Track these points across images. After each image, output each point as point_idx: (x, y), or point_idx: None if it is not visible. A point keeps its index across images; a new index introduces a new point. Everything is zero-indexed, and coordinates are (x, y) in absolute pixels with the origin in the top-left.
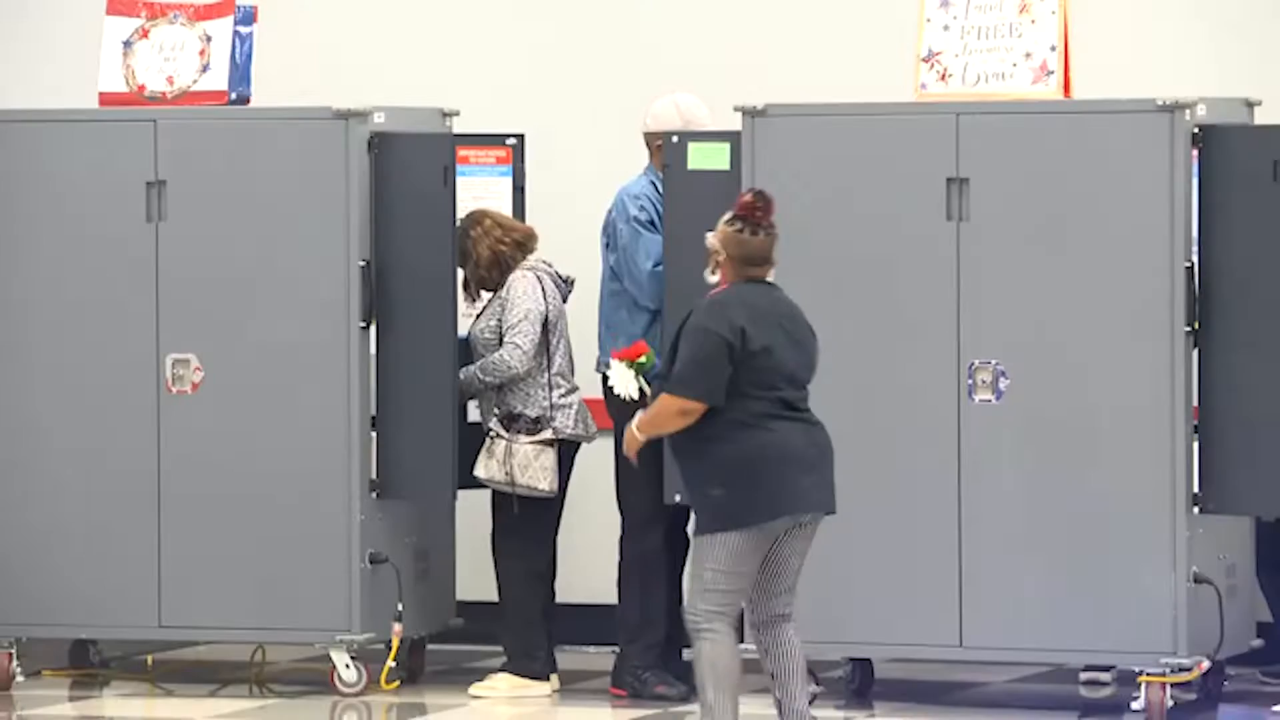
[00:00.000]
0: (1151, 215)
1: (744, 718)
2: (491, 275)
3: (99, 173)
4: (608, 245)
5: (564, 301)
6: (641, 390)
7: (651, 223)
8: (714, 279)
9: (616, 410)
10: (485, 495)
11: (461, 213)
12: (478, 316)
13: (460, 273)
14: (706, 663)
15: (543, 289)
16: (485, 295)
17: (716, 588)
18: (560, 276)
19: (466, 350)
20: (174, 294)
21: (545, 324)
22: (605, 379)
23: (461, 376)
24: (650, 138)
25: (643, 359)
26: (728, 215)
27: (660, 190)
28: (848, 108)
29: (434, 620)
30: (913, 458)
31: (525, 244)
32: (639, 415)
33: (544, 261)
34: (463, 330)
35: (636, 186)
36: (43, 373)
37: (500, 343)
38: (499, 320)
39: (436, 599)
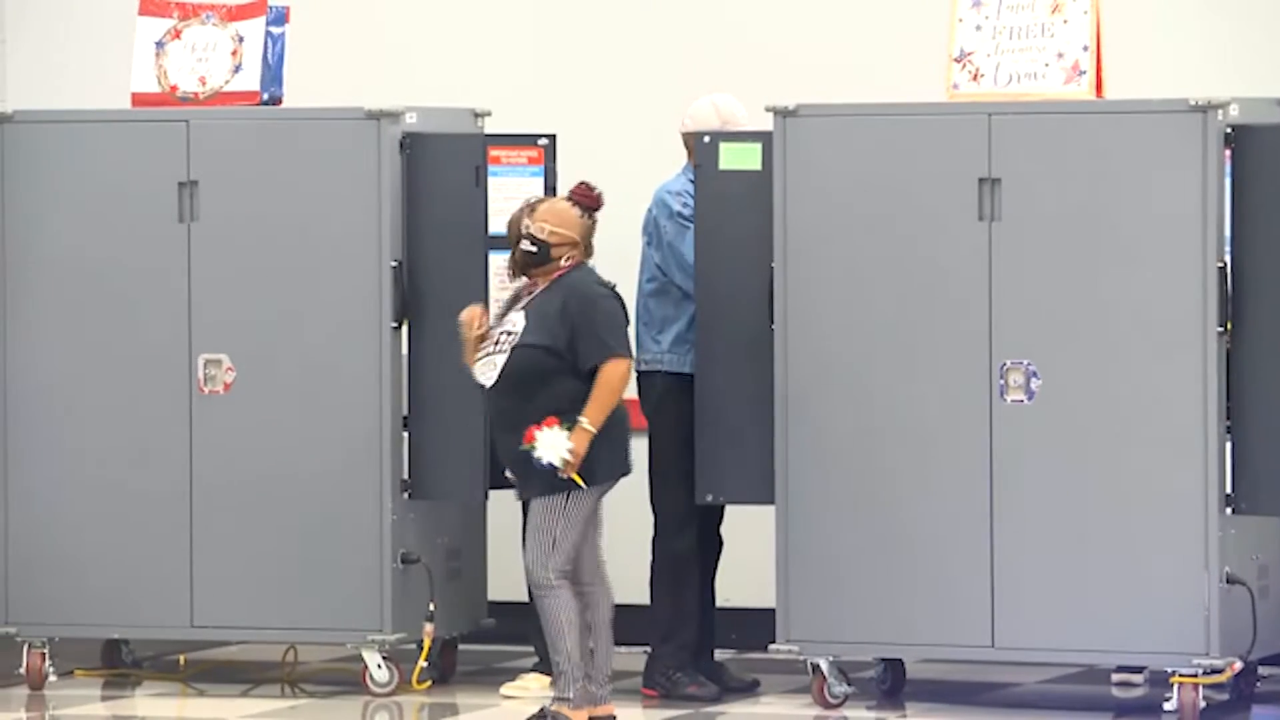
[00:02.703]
0: (1184, 215)
1: (771, 716)
2: None
3: (131, 173)
4: (649, 243)
5: None
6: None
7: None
8: (565, 263)
9: (651, 410)
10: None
11: (494, 214)
12: None
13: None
14: (563, 618)
15: None
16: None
17: (563, 546)
18: (601, 281)
19: None
20: (206, 294)
21: None
22: (637, 377)
23: None
24: (689, 138)
25: (562, 424)
26: (568, 205)
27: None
28: (879, 108)
29: (465, 620)
30: (944, 458)
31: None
32: (583, 425)
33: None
34: None
35: (677, 184)
36: (74, 373)
37: None
38: None
39: (468, 599)
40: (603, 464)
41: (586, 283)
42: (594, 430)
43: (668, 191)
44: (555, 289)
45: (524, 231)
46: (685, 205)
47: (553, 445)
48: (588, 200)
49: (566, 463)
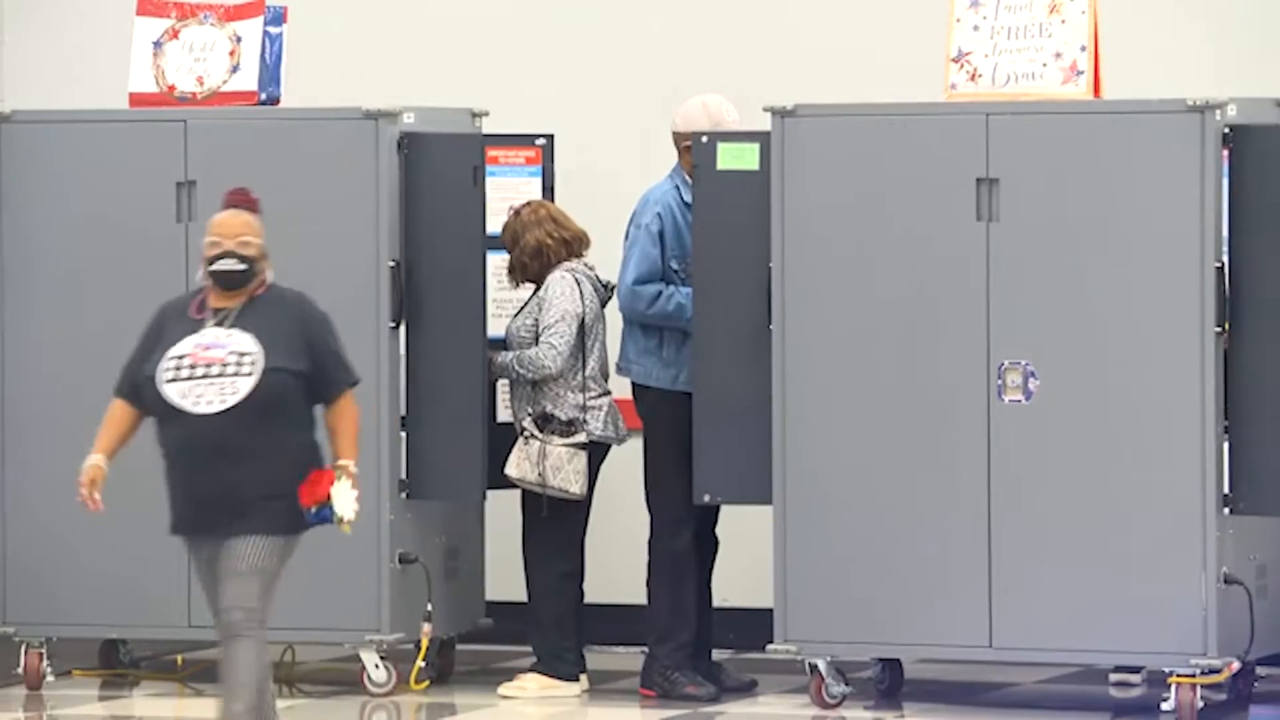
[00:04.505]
0: (1182, 215)
1: (769, 716)
2: (533, 266)
3: (129, 173)
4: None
5: (602, 306)
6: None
7: (661, 234)
8: (270, 277)
9: (646, 411)
10: (514, 495)
11: (491, 214)
12: (516, 314)
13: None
14: (263, 664)
15: (580, 291)
16: (526, 287)
17: (273, 590)
18: (600, 281)
19: (505, 348)
20: None
21: (581, 326)
22: (631, 383)
23: (498, 360)
24: (678, 138)
25: (341, 480)
26: (247, 213)
27: (683, 193)
28: (877, 108)
29: (463, 620)
30: (942, 458)
31: (573, 244)
32: (350, 469)
33: (586, 264)
34: (493, 328)
35: (659, 191)
36: (71, 373)
37: (536, 342)
38: (536, 319)
39: (466, 599)
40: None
41: (309, 300)
42: (354, 458)
43: (650, 199)
44: (270, 305)
45: (218, 251)
46: (658, 217)
47: (348, 500)
48: (252, 204)
49: (347, 520)
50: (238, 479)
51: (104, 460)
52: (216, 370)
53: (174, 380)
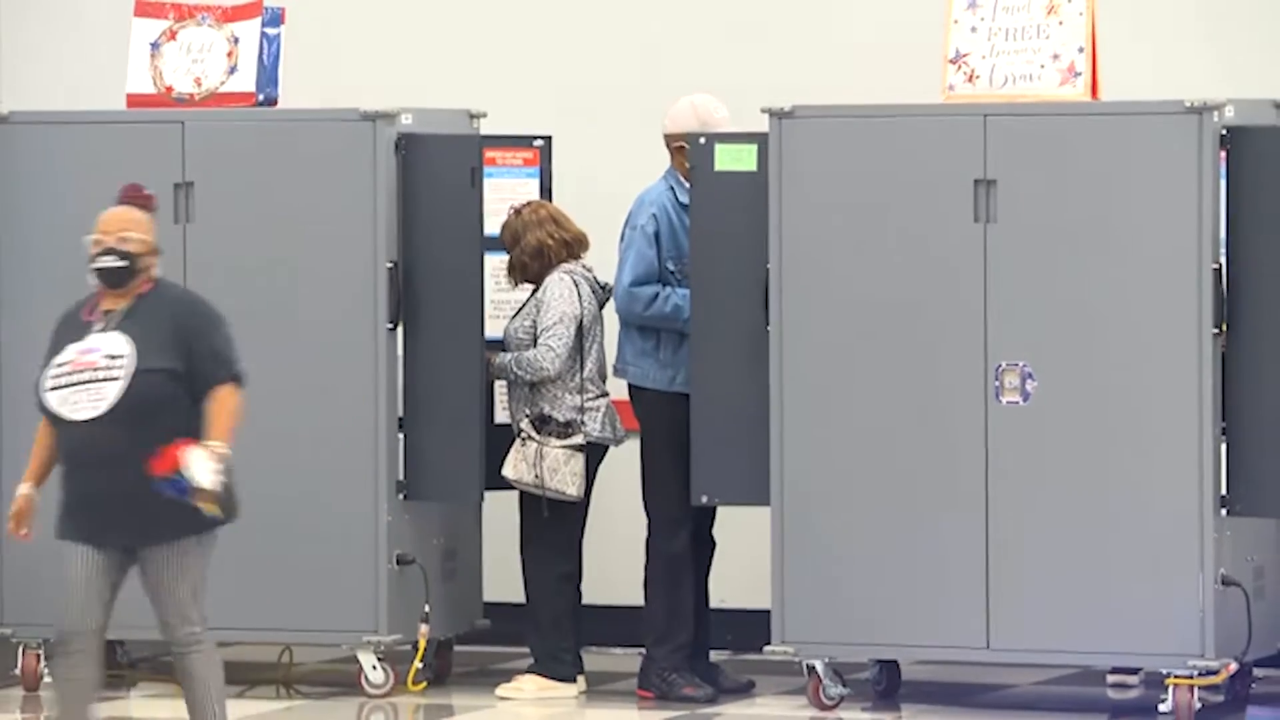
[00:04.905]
0: (1179, 217)
1: (767, 717)
2: (532, 266)
3: (127, 174)
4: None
5: (600, 307)
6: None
7: (657, 235)
8: (156, 273)
9: (643, 412)
10: (512, 496)
11: (489, 215)
12: (514, 316)
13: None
14: (219, 674)
15: (578, 293)
16: (524, 288)
17: (202, 589)
18: (599, 282)
19: (503, 350)
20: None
21: (579, 328)
22: (629, 385)
23: (496, 361)
24: (669, 139)
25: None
26: (138, 210)
27: (677, 194)
28: (875, 109)
29: (461, 621)
30: (939, 459)
31: (573, 246)
32: (217, 448)
33: (584, 266)
34: (491, 329)
35: (654, 193)
36: None
37: (534, 343)
38: (534, 321)
39: (463, 600)
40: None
41: (196, 298)
42: (229, 454)
43: (644, 200)
44: (152, 304)
45: (99, 249)
46: (653, 218)
47: (204, 467)
48: (145, 201)
49: (207, 490)
50: (127, 486)
51: (32, 489)
52: (88, 375)
53: (55, 388)
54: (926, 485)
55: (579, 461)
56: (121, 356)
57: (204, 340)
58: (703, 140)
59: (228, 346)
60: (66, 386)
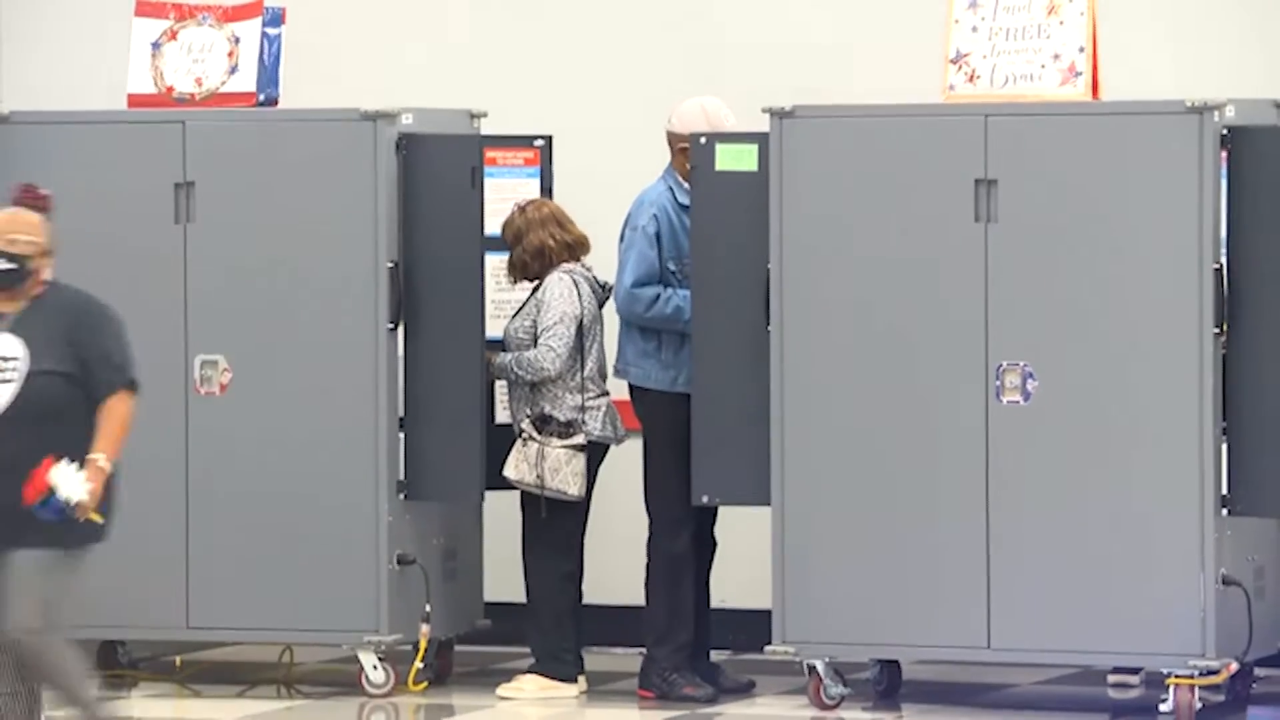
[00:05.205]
0: (1180, 217)
1: (767, 717)
2: (533, 265)
3: (127, 174)
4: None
5: (600, 307)
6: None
7: (658, 235)
8: (49, 275)
9: (645, 412)
10: (513, 496)
11: (490, 215)
12: (514, 316)
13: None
14: (74, 661)
15: (578, 293)
16: (524, 288)
17: (63, 604)
18: (598, 282)
19: (503, 350)
20: (202, 295)
21: (580, 327)
22: (630, 385)
23: (497, 361)
24: (674, 139)
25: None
26: (30, 212)
27: (676, 195)
28: (876, 109)
29: (462, 621)
30: (940, 459)
31: (574, 249)
32: (99, 462)
33: (584, 265)
34: (492, 329)
35: (653, 193)
36: None
37: (534, 343)
38: (534, 321)
39: (464, 600)
40: (107, 515)
41: (93, 300)
42: (110, 468)
43: (644, 201)
44: (47, 306)
45: None
46: (654, 219)
47: (73, 482)
48: (39, 201)
49: (84, 503)
50: (16, 490)
51: None
52: None
53: None
54: (927, 485)
55: (580, 461)
56: (15, 359)
57: (95, 343)
58: (703, 140)
59: (120, 350)
60: None
